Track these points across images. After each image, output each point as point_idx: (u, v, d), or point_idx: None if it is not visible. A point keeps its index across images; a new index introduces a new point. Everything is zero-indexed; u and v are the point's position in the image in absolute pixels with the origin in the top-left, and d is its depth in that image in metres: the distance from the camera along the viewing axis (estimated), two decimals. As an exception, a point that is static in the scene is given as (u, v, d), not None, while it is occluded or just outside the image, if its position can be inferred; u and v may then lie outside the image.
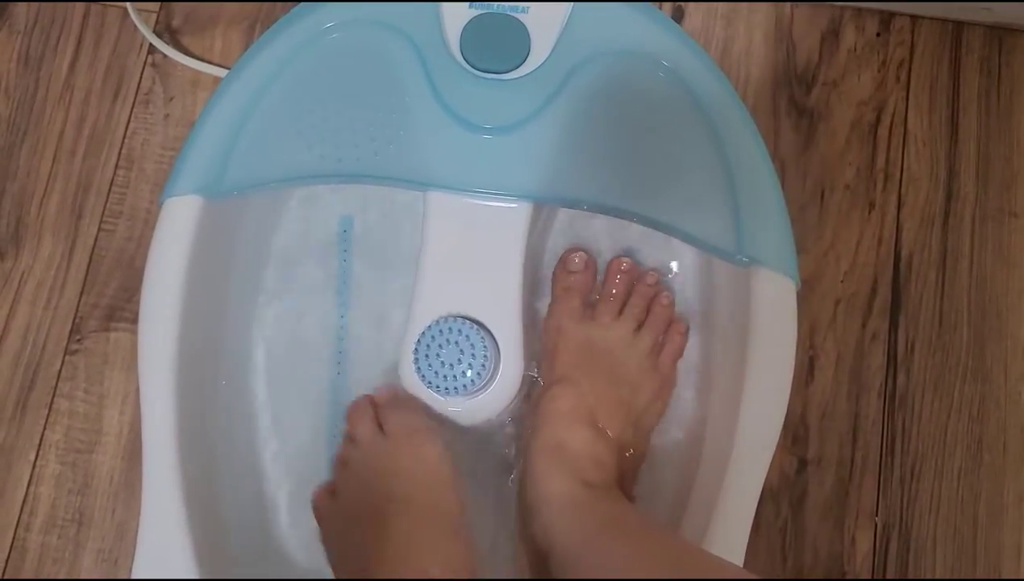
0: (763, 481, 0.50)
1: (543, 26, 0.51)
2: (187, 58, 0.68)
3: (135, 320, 0.65)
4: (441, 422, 0.52)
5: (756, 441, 0.48)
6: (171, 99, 0.69)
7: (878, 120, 0.67)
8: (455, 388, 0.49)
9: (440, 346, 0.49)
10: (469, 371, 0.48)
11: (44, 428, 0.64)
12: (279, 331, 0.61)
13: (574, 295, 0.57)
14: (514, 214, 0.51)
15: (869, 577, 0.60)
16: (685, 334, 0.58)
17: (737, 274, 0.52)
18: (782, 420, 0.51)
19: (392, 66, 0.52)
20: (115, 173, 0.68)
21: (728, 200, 0.51)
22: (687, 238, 0.52)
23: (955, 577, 0.61)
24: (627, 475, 0.55)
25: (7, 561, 0.63)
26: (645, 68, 0.52)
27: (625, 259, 0.58)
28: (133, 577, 0.51)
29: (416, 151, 0.51)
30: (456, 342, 0.49)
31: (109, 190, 0.68)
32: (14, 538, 0.63)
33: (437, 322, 0.49)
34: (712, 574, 0.40)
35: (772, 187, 0.52)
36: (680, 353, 0.58)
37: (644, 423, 0.56)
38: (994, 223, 0.66)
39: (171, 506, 0.50)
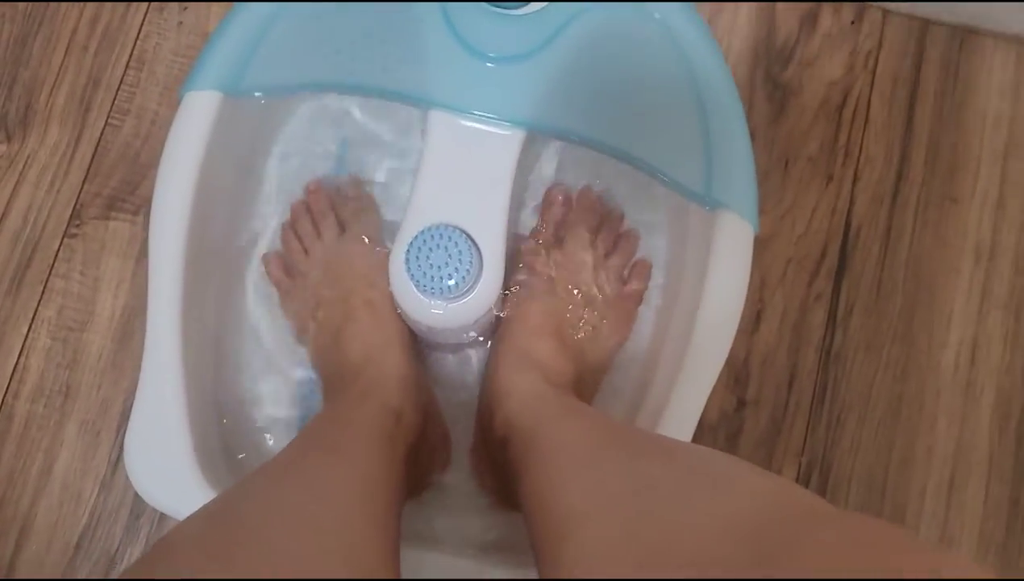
0: (710, 390, 0.55)
1: None
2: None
3: (135, 212, 0.69)
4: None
5: (707, 355, 0.54)
6: (185, 8, 0.72)
7: (844, 102, 0.73)
8: (440, 290, 0.53)
9: (431, 249, 0.53)
10: (455, 275, 0.53)
11: (38, 304, 0.68)
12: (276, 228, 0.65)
13: (549, 223, 0.62)
14: (508, 139, 0.56)
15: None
16: (648, 269, 0.63)
17: (702, 214, 0.57)
18: (730, 342, 0.56)
19: None
20: (125, 72, 0.71)
21: (702, 147, 0.56)
22: (662, 177, 0.57)
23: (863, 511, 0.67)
24: (587, 388, 0.60)
25: (-6, 424, 0.66)
26: (640, 17, 0.56)
27: (593, 189, 0.64)
28: (126, 442, 0.55)
29: (423, 71, 0.55)
30: (445, 247, 0.53)
31: (119, 88, 0.71)
32: (2, 404, 0.67)
33: (429, 228, 0.54)
34: (663, 444, 0.43)
35: (743, 140, 0.57)
36: (644, 284, 0.63)
37: (607, 343, 0.61)
38: (935, 206, 0.72)
39: (170, 378, 0.54)
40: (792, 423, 0.68)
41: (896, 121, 0.73)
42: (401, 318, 0.59)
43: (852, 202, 0.72)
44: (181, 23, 0.72)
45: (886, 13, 0.75)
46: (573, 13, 0.56)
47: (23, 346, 0.67)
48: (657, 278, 0.64)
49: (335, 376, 0.57)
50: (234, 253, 0.64)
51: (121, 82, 0.71)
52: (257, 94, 0.56)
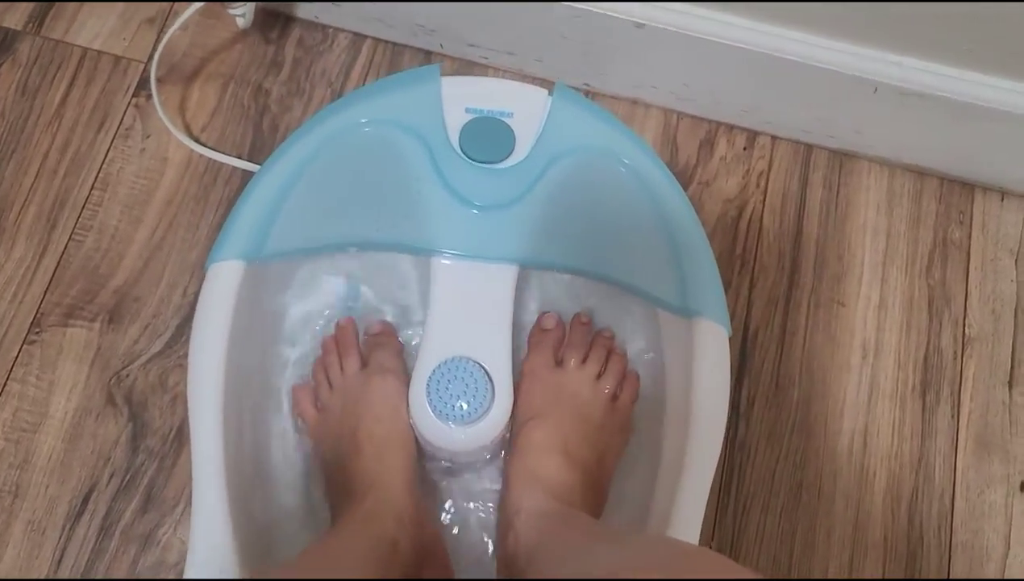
0: (710, 484, 0.60)
1: (526, 127, 0.65)
2: (164, 117, 0.79)
3: (93, 318, 0.75)
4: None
5: (703, 453, 0.59)
6: (148, 136, 0.80)
7: (739, 216, 0.82)
8: (460, 417, 0.60)
9: (449, 382, 0.60)
10: (471, 402, 0.60)
11: (-6, 407, 0.72)
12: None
13: (546, 348, 0.69)
14: (504, 275, 0.64)
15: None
16: (637, 381, 0.69)
17: (680, 324, 0.64)
18: (721, 442, 0.61)
19: (405, 157, 0.64)
20: (91, 193, 0.78)
21: (674, 264, 0.64)
22: (642, 294, 0.65)
23: (772, 597, 0.72)
24: (596, 497, 0.64)
25: (-57, 523, 0.69)
26: (607, 162, 0.65)
27: (585, 315, 0.71)
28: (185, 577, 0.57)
29: (424, 224, 0.63)
30: (461, 378, 0.60)
31: (83, 207, 0.78)
32: (-48, 503, 0.70)
33: (445, 362, 0.60)
34: (663, 545, 0.48)
35: (707, 256, 0.65)
36: (635, 396, 0.69)
37: (608, 457, 0.66)
38: (825, 309, 0.80)
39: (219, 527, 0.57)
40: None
41: (786, 233, 0.82)
42: (407, 455, 0.63)
43: (750, 306, 0.80)
44: (144, 149, 0.80)
45: (774, 139, 0.85)
46: (548, 163, 0.64)
47: (-23, 447, 0.71)
48: (646, 385, 0.69)
49: (341, 504, 0.61)
50: (265, 396, 0.68)
51: (86, 202, 0.78)
52: (276, 260, 0.63)
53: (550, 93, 0.65)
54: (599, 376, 0.68)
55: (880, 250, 0.82)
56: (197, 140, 0.80)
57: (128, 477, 0.71)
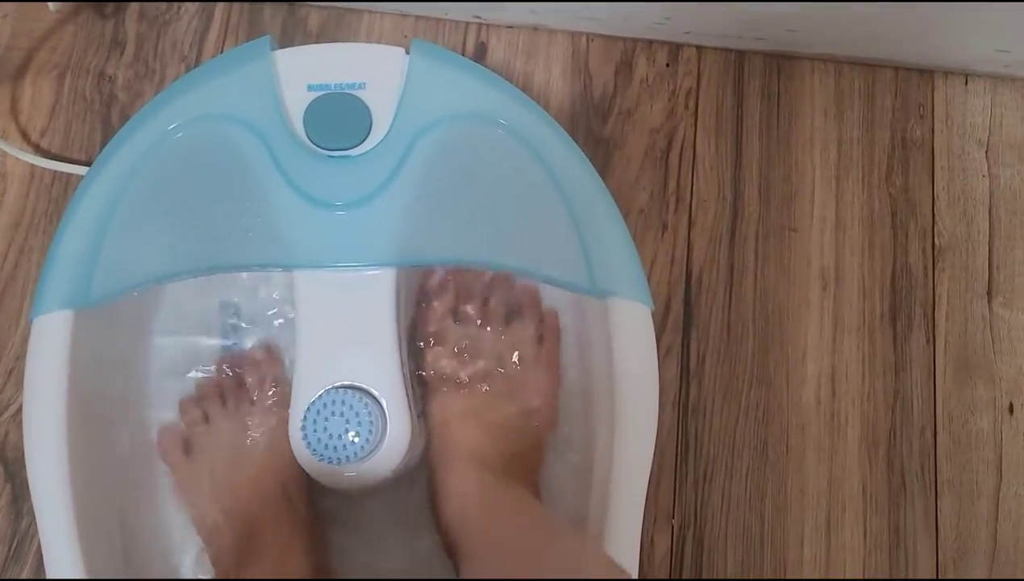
0: (648, 472, 0.53)
1: (381, 100, 0.54)
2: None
3: (-54, 374, 0.66)
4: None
5: (633, 461, 0.52)
6: (-19, 150, 0.70)
7: (669, 146, 0.72)
8: (347, 457, 0.51)
9: (326, 419, 0.51)
10: (357, 438, 0.51)
11: None
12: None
13: (441, 306, 0.60)
14: (380, 281, 0.54)
15: (666, 577, 0.65)
16: (556, 321, 0.61)
17: (594, 306, 0.56)
18: (654, 434, 0.53)
19: (241, 156, 0.53)
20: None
21: (576, 240, 0.54)
22: (544, 279, 0.56)
23: (744, 573, 0.65)
24: (531, 458, 0.58)
25: None
26: (484, 127, 0.55)
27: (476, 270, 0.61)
28: None
29: (276, 235, 0.53)
30: (341, 412, 0.51)
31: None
32: None
33: (320, 396, 0.51)
34: (562, 543, 0.44)
35: (616, 223, 0.56)
36: (557, 333, 0.61)
37: (536, 408, 0.58)
38: (775, 238, 0.71)
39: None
40: (658, 485, 0.66)
41: (725, 158, 0.72)
42: (303, 505, 0.56)
43: (690, 248, 0.70)
44: (-22, 167, 0.69)
45: (700, 49, 0.74)
46: (413, 140, 0.54)
47: None
48: (569, 378, 0.62)
49: (241, 556, 0.54)
50: (133, 453, 0.59)
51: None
52: (108, 302, 0.53)
53: (407, 51, 0.54)
54: (507, 322, 0.60)
55: (832, 162, 0.72)
56: (38, 148, 0.70)
57: (15, 544, 0.64)
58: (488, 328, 0.59)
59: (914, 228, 0.71)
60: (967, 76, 0.74)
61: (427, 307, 0.59)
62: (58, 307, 0.52)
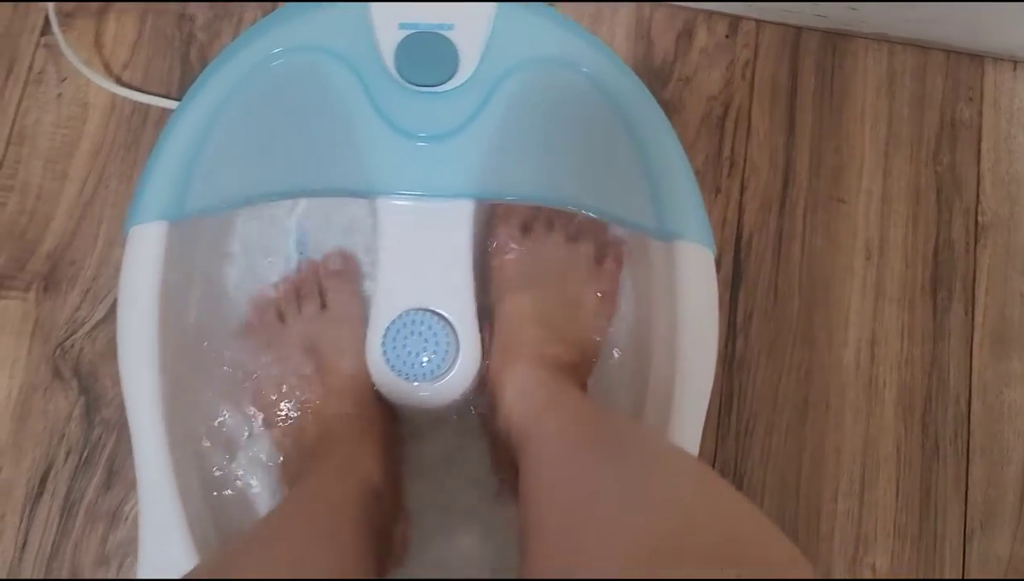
0: (703, 418, 0.56)
1: (469, 41, 0.57)
2: (77, 58, 0.71)
3: (26, 289, 0.69)
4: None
5: (693, 392, 0.54)
6: (64, 79, 0.72)
7: (725, 114, 0.74)
8: (422, 375, 0.54)
9: (405, 337, 0.54)
10: (434, 355, 0.54)
11: (-67, 392, 0.67)
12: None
13: (512, 220, 0.62)
14: (457, 212, 0.56)
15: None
16: (619, 247, 0.63)
17: (659, 248, 0.58)
18: (713, 371, 0.55)
19: (334, 87, 0.56)
20: (7, 149, 0.71)
21: (647, 184, 0.57)
22: (615, 219, 0.58)
23: (780, 524, 0.68)
24: (583, 367, 0.60)
25: None
26: (565, 73, 0.57)
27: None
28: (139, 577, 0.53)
29: (362, 163, 0.55)
30: (420, 333, 0.54)
31: (1, 165, 0.71)
32: (-99, 497, 0.65)
33: (401, 316, 0.54)
34: (626, 443, 0.45)
35: (685, 170, 0.58)
36: (620, 259, 0.63)
37: (594, 321, 0.60)
38: (823, 208, 0.73)
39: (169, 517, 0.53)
40: (701, 435, 0.68)
41: (778, 128, 0.74)
42: (384, 408, 0.58)
43: (741, 211, 0.73)
44: (60, 95, 0.72)
45: (760, 23, 0.76)
46: (498, 80, 0.56)
47: (-81, 436, 0.66)
48: (628, 313, 0.64)
49: (307, 452, 0.57)
50: (210, 362, 0.62)
51: (3, 159, 0.71)
52: (201, 216, 0.56)
53: (495, -4, 0.57)
54: (575, 240, 0.62)
55: (881, 138, 0.75)
56: (119, 80, 0.72)
57: (86, 453, 0.66)
58: (552, 242, 0.61)
59: (958, 205, 0.74)
60: (1016, 63, 0.77)
61: (496, 221, 0.62)
62: (154, 218, 0.54)
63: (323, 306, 0.62)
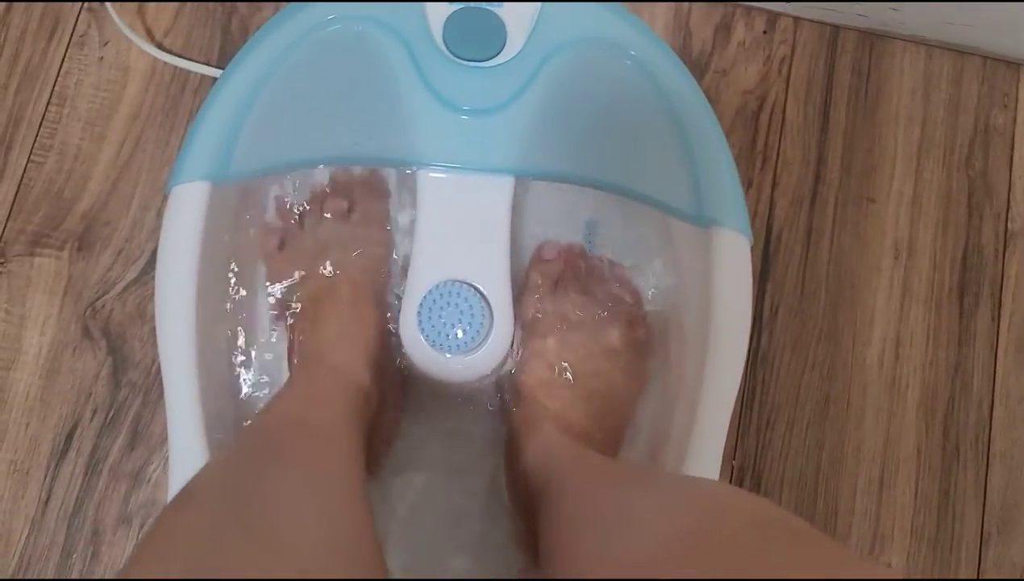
0: (733, 401, 0.55)
1: (517, 19, 0.57)
2: (121, 22, 0.72)
3: (60, 247, 0.69)
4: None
5: (725, 370, 0.54)
6: (106, 43, 0.73)
7: (760, 108, 0.75)
8: (456, 346, 0.54)
9: (441, 308, 0.55)
10: (468, 330, 0.54)
11: (-36, 344, 0.68)
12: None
13: (548, 277, 0.61)
14: (498, 187, 0.57)
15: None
16: (646, 321, 0.62)
17: (696, 234, 0.58)
18: (743, 360, 0.56)
19: (383, 57, 0.57)
20: (47, 109, 0.72)
21: (688, 169, 0.57)
22: (653, 203, 0.58)
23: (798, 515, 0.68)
24: (609, 439, 0.59)
25: (-80, 468, 0.66)
26: (611, 55, 0.58)
27: (590, 248, 0.64)
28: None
29: (407, 133, 0.56)
30: (456, 304, 0.55)
31: (40, 125, 0.71)
32: (-72, 447, 0.66)
33: (437, 286, 0.55)
34: (660, 471, 0.45)
35: (726, 158, 0.58)
36: (650, 332, 0.62)
37: (622, 393, 0.60)
38: (854, 206, 0.73)
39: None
40: (722, 427, 0.69)
41: (812, 125, 0.75)
42: (378, 311, 0.59)
43: (772, 205, 0.73)
44: (102, 58, 0.73)
45: (798, 21, 0.76)
46: (544, 59, 0.57)
47: (-51, 387, 0.67)
48: (662, 302, 0.63)
49: (308, 348, 0.58)
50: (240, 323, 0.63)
51: (43, 119, 0.72)
52: (243, 179, 0.57)
53: (545, -25, 0.57)
54: (608, 310, 0.61)
55: (914, 140, 0.75)
56: (160, 46, 0.73)
57: (112, 413, 0.67)
58: (583, 307, 0.60)
59: (989, 211, 0.74)
60: (1053, 72, 0.77)
61: (529, 280, 0.62)
62: (198, 178, 0.55)
63: (348, 211, 0.62)
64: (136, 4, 0.74)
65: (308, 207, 0.62)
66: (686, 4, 0.76)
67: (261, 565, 0.33)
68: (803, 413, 0.70)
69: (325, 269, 0.60)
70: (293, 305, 0.60)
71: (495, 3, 0.57)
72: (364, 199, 0.62)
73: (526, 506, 0.54)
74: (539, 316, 0.60)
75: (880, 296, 0.72)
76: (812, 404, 0.70)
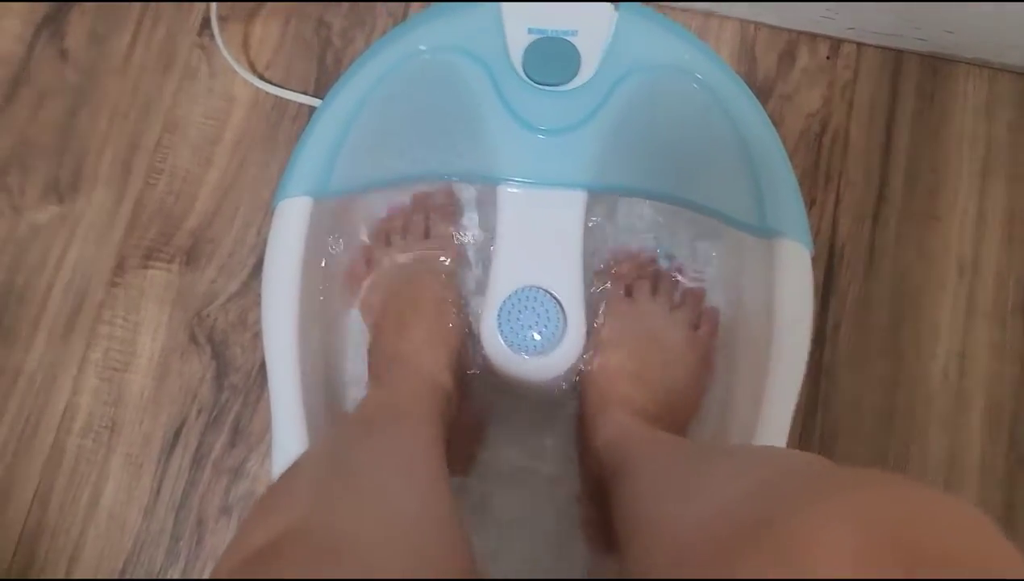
0: (793, 408, 0.58)
1: (591, 46, 0.62)
2: (229, 56, 0.79)
3: (170, 260, 0.76)
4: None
5: (786, 376, 0.57)
6: (214, 76, 0.80)
7: (823, 130, 0.78)
8: (532, 347, 0.59)
9: (520, 312, 0.60)
10: (543, 332, 0.59)
11: (86, 348, 0.75)
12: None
13: (618, 279, 0.67)
14: (572, 201, 0.62)
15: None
16: (717, 314, 0.67)
17: (759, 245, 0.61)
18: (804, 367, 0.58)
19: (467, 83, 0.62)
20: (161, 136, 0.79)
21: (752, 183, 0.61)
22: (718, 216, 0.62)
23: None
24: (672, 426, 0.63)
25: (47, 458, 0.73)
26: (679, 78, 0.62)
27: (659, 252, 0.68)
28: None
29: (489, 152, 0.62)
30: (533, 308, 0.60)
31: (155, 150, 0.79)
32: (55, 440, 0.73)
33: (515, 292, 0.60)
34: (722, 449, 0.48)
35: (787, 173, 0.62)
36: (715, 330, 0.66)
37: (687, 388, 0.64)
38: (917, 224, 0.75)
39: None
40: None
41: (874, 145, 0.77)
42: (459, 319, 0.64)
43: (835, 223, 0.76)
44: (210, 90, 0.80)
45: (860, 46, 0.79)
46: (615, 83, 0.62)
47: (73, 386, 0.74)
48: (725, 311, 0.67)
49: (393, 356, 0.63)
50: (337, 325, 0.69)
51: (157, 145, 0.79)
52: (342, 196, 0.63)
53: (616, 8, 0.61)
54: (674, 308, 0.66)
55: (979, 159, 0.77)
56: (262, 78, 0.80)
57: (215, 413, 0.73)
58: (653, 307, 0.65)
59: (1054, 229, 0.75)
60: (1119, 92, 0.78)
61: (607, 280, 0.66)
62: (301, 193, 0.61)
63: (426, 235, 0.68)
64: (241, 40, 0.81)
65: (391, 227, 0.68)
66: (752, 31, 0.80)
67: (365, 516, 0.38)
68: (865, 426, 0.72)
69: (409, 282, 0.65)
70: (378, 315, 0.66)
71: (569, 30, 0.61)
72: (439, 217, 0.68)
73: (598, 485, 0.58)
74: (611, 313, 0.64)
75: (944, 311, 0.74)
76: (875, 416, 0.72)
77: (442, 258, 0.67)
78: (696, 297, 0.67)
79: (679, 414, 0.64)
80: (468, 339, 0.65)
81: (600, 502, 0.57)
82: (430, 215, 0.69)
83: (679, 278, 0.68)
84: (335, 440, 0.48)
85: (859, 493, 0.30)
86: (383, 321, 0.65)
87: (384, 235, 0.68)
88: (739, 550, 0.31)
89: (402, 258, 0.66)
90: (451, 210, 0.69)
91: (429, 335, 0.63)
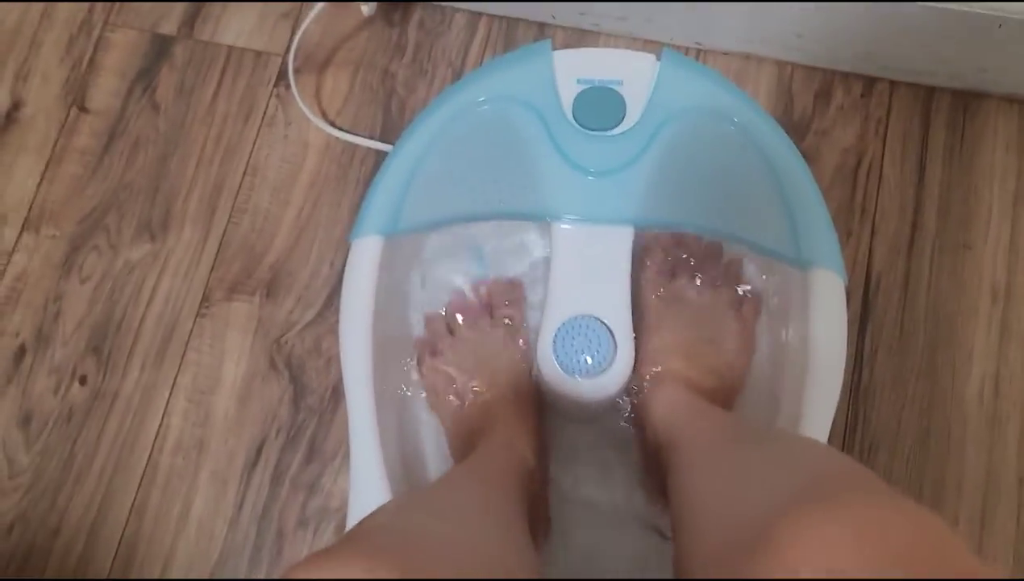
0: (830, 425, 0.62)
1: (635, 94, 0.68)
2: (303, 105, 0.86)
3: (252, 293, 0.83)
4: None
5: (818, 415, 0.62)
6: (290, 124, 0.88)
7: (858, 165, 0.82)
8: (585, 370, 0.65)
9: (573, 338, 0.65)
10: (595, 356, 0.65)
11: (177, 373, 0.82)
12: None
13: (660, 260, 0.70)
14: (620, 236, 0.67)
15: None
16: (759, 297, 0.71)
17: (795, 274, 0.66)
18: (839, 388, 0.62)
19: (523, 130, 0.68)
20: (243, 179, 0.87)
21: (787, 216, 0.66)
22: (756, 248, 0.67)
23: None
24: (722, 396, 0.67)
25: (143, 475, 0.80)
26: (718, 122, 0.67)
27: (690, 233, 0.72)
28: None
29: (543, 192, 0.67)
30: (585, 335, 0.65)
31: (237, 192, 0.87)
32: (149, 457, 0.80)
33: (569, 320, 0.65)
34: (776, 434, 0.52)
35: (820, 207, 0.67)
36: (758, 309, 0.70)
37: (734, 360, 0.68)
38: (950, 253, 0.79)
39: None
40: (826, 455, 0.75)
41: (908, 178, 0.81)
42: (532, 399, 0.69)
43: (871, 253, 0.80)
44: (286, 136, 0.88)
45: (893, 84, 0.84)
46: (658, 127, 0.67)
47: (165, 408, 0.81)
48: (763, 339, 0.71)
49: (476, 435, 0.67)
50: (407, 356, 0.73)
51: (240, 187, 0.87)
52: (409, 234, 0.69)
53: (658, 58, 0.67)
54: (716, 286, 0.70)
55: (1010, 190, 0.80)
56: (333, 124, 0.87)
57: (293, 432, 0.80)
58: (696, 288, 0.70)
59: (1086, 256, 0.78)
60: None
61: (647, 265, 0.71)
62: (374, 232, 0.67)
63: (490, 319, 0.73)
64: (313, 90, 0.89)
65: (456, 317, 0.72)
66: (788, 71, 0.85)
67: (456, 541, 0.42)
68: (903, 445, 0.75)
69: (484, 371, 0.69)
70: (451, 399, 0.69)
71: (615, 80, 0.67)
72: (503, 304, 0.72)
73: (654, 460, 0.62)
74: (657, 296, 0.69)
75: (978, 336, 0.77)
76: (912, 436, 0.75)
77: (509, 343, 0.70)
78: (734, 272, 0.71)
79: (728, 391, 0.68)
80: (542, 410, 0.70)
81: (658, 471, 0.61)
82: (493, 300, 0.73)
83: (719, 256, 0.71)
84: (419, 492, 0.53)
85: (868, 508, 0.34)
86: (461, 407, 0.69)
87: (443, 323, 0.72)
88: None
89: (469, 345, 0.70)
90: (515, 295, 0.73)
91: (507, 409, 0.67)
